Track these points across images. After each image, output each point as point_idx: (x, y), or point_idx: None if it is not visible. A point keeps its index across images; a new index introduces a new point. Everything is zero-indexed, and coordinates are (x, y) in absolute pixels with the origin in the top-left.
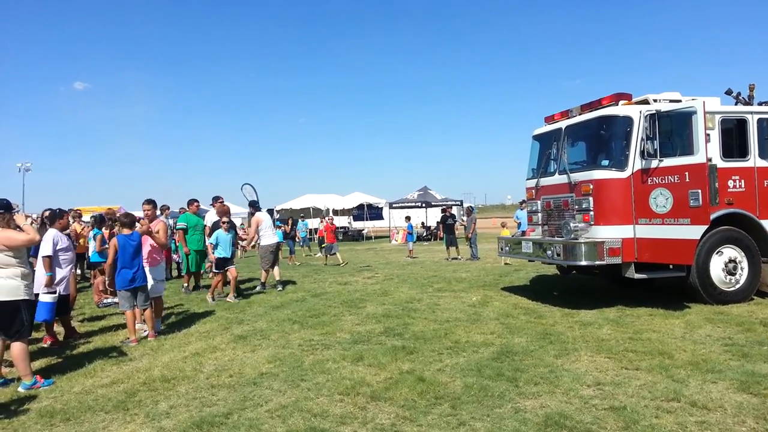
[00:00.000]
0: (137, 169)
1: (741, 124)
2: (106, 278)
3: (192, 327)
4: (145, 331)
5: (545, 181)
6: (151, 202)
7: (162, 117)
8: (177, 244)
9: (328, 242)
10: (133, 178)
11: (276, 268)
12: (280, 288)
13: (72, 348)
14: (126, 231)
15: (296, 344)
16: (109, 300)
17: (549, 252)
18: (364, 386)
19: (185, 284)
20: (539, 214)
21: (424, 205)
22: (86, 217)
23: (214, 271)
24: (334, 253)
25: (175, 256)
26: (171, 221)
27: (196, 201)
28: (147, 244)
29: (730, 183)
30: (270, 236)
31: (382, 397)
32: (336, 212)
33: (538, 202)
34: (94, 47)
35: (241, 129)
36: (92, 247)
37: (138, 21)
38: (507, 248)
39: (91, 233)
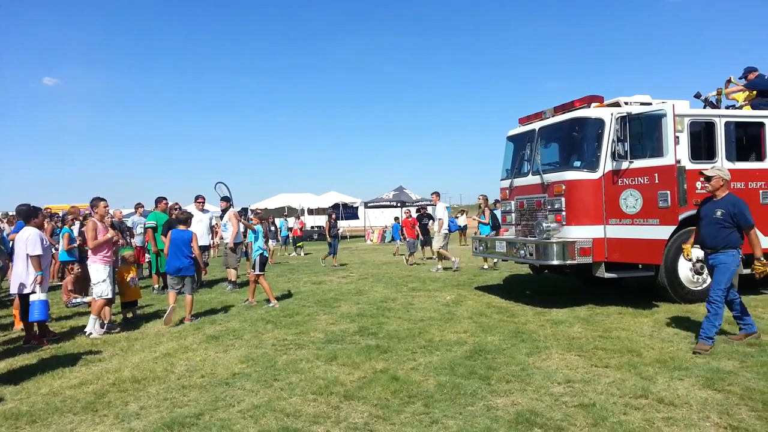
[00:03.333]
0: (108, 166)
1: (709, 127)
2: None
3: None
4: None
5: (519, 181)
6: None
7: (134, 115)
8: (147, 243)
9: (410, 238)
10: (104, 175)
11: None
12: (229, 288)
13: (39, 349)
14: (181, 227)
15: (269, 344)
16: (78, 299)
17: (522, 251)
18: (338, 386)
19: (156, 285)
20: (513, 214)
21: (399, 204)
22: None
23: (257, 273)
24: (412, 253)
25: (147, 256)
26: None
27: (165, 199)
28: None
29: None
30: (238, 235)
31: (355, 396)
32: (311, 211)
33: (512, 202)
34: (64, 43)
35: (218, 127)
36: (60, 245)
37: (111, 17)
38: (481, 248)
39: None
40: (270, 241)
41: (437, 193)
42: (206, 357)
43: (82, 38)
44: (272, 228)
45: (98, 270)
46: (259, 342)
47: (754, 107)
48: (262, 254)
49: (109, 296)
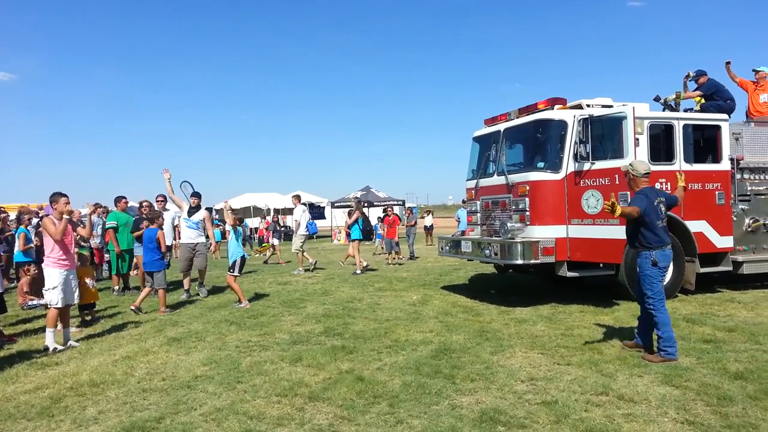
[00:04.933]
0: (64, 165)
1: (668, 130)
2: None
3: (123, 330)
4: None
5: (484, 181)
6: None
7: (94, 112)
8: (107, 243)
9: (388, 238)
10: (61, 174)
11: (204, 270)
12: (204, 291)
13: None
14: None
15: (233, 346)
16: (35, 302)
17: (487, 251)
18: (303, 387)
19: (115, 286)
20: (478, 214)
21: (366, 204)
22: (13, 215)
23: (235, 274)
24: (398, 251)
25: (106, 256)
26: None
27: (124, 198)
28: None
29: (657, 185)
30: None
31: (320, 397)
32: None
33: (478, 202)
34: (20, 37)
35: (180, 125)
36: (16, 246)
37: (70, 11)
38: (447, 248)
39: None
40: (274, 240)
41: (298, 196)
42: (167, 359)
43: (37, 33)
44: (278, 227)
45: (51, 275)
46: (223, 344)
47: (704, 109)
48: (243, 257)
49: (59, 305)
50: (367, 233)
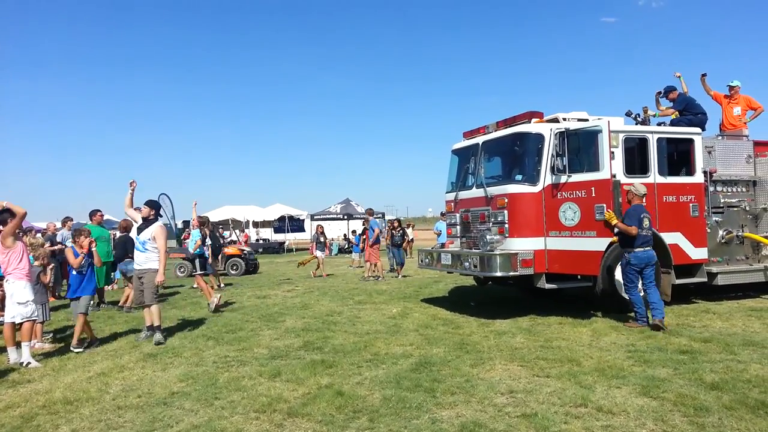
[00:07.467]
0: (40, 177)
1: (642, 143)
2: None
3: (98, 345)
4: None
5: (464, 194)
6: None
7: (70, 122)
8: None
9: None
10: (35, 187)
11: (154, 308)
12: (159, 337)
13: None
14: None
15: (211, 361)
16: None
17: (466, 263)
18: (281, 402)
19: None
20: (458, 227)
21: (346, 217)
22: None
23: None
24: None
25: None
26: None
27: (99, 211)
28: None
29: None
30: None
31: (299, 413)
32: (256, 224)
33: (457, 214)
34: None
35: (156, 136)
36: None
37: (38, 19)
38: (427, 260)
39: None
40: (318, 252)
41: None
42: (143, 376)
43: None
44: (321, 239)
45: (25, 288)
46: (200, 359)
47: (676, 124)
48: (200, 255)
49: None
50: (216, 249)
